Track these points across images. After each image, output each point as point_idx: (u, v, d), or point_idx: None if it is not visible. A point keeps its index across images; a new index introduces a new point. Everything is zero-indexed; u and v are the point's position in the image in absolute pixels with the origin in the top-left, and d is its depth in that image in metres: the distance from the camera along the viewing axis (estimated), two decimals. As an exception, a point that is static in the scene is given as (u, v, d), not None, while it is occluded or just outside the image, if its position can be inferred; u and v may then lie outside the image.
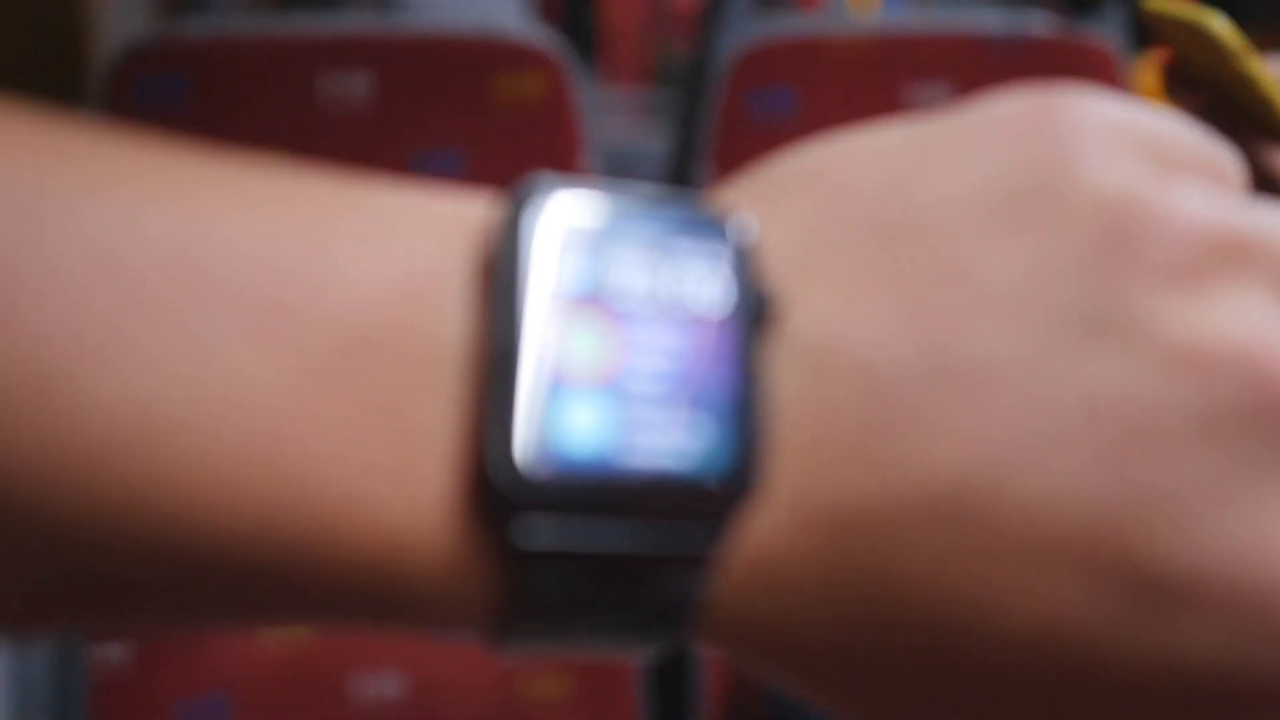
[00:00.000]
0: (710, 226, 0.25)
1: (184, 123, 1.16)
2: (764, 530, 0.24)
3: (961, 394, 0.24)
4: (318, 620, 0.24)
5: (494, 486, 0.22)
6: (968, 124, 0.27)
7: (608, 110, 1.41)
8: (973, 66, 1.27)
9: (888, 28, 1.33)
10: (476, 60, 1.21)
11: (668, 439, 0.23)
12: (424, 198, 0.25)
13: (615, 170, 1.37)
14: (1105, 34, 1.31)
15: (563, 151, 1.22)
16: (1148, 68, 1.32)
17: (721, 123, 1.28)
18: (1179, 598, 0.24)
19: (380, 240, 0.23)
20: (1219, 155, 0.29)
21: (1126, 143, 0.27)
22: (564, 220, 0.24)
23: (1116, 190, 0.25)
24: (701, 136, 1.30)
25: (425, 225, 0.24)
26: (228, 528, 0.21)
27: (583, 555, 0.23)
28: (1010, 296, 0.25)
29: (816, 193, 0.27)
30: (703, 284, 0.25)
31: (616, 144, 1.40)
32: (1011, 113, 0.27)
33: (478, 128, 1.20)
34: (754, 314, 0.25)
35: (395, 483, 0.22)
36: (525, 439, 0.22)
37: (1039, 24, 1.31)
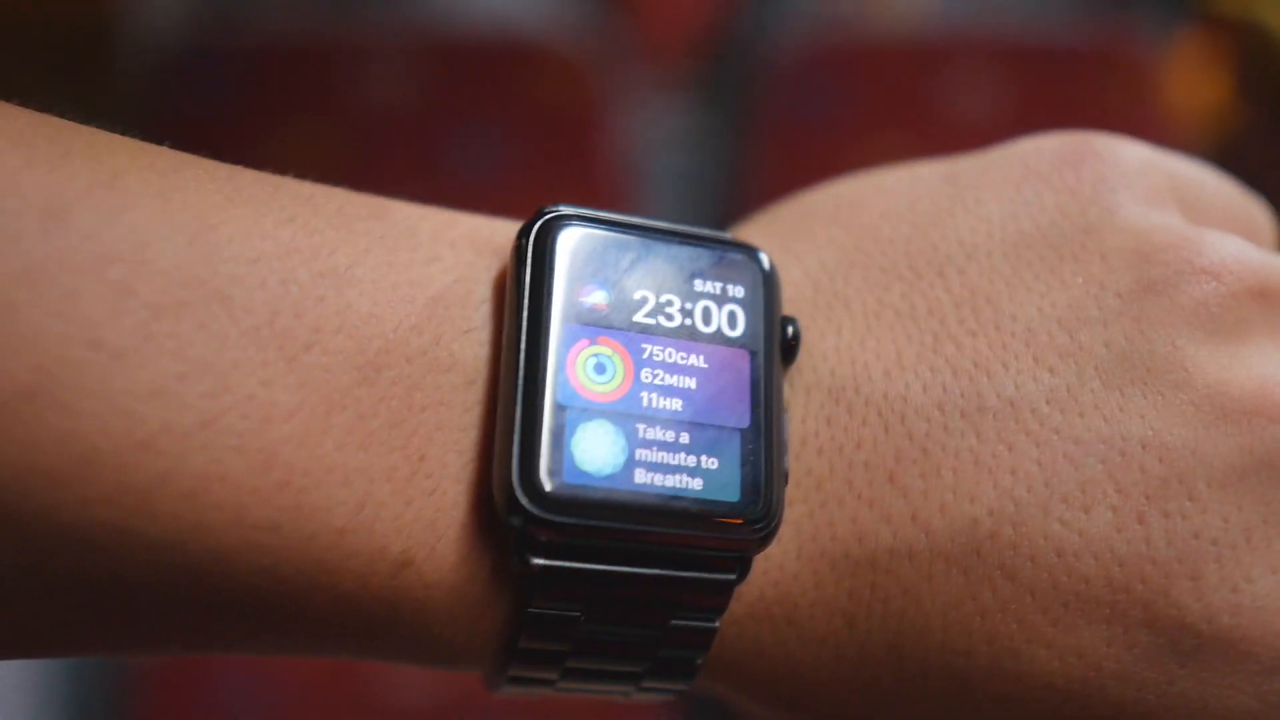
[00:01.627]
0: (732, 257, 0.25)
1: (223, 124, 1.17)
2: (778, 564, 0.24)
3: (987, 432, 0.24)
4: (319, 647, 0.23)
5: (504, 504, 0.22)
6: (996, 163, 0.27)
7: (649, 86, 1.42)
8: (1015, 73, 1.27)
9: (929, 33, 1.33)
10: (501, 64, 1.21)
11: (683, 463, 0.23)
12: (448, 217, 0.25)
13: (651, 164, 1.38)
14: (1145, 26, 1.30)
15: (589, 154, 1.22)
16: (1205, 72, 1.31)
17: (763, 124, 1.28)
18: (1208, 650, 0.23)
19: (403, 261, 0.23)
20: (1250, 206, 0.28)
21: (1161, 188, 0.26)
22: (579, 246, 0.24)
23: (1152, 234, 0.25)
24: (742, 138, 1.30)
25: (448, 247, 0.24)
26: (233, 530, 0.21)
27: (592, 574, 0.23)
28: (1041, 335, 0.24)
29: (840, 231, 0.27)
30: (722, 313, 0.25)
31: (656, 129, 1.40)
32: (1043, 153, 0.27)
33: (505, 131, 1.20)
34: (773, 344, 0.25)
35: (406, 498, 0.22)
36: (536, 458, 0.22)
37: (1082, 23, 1.31)
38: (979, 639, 0.23)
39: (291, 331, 0.22)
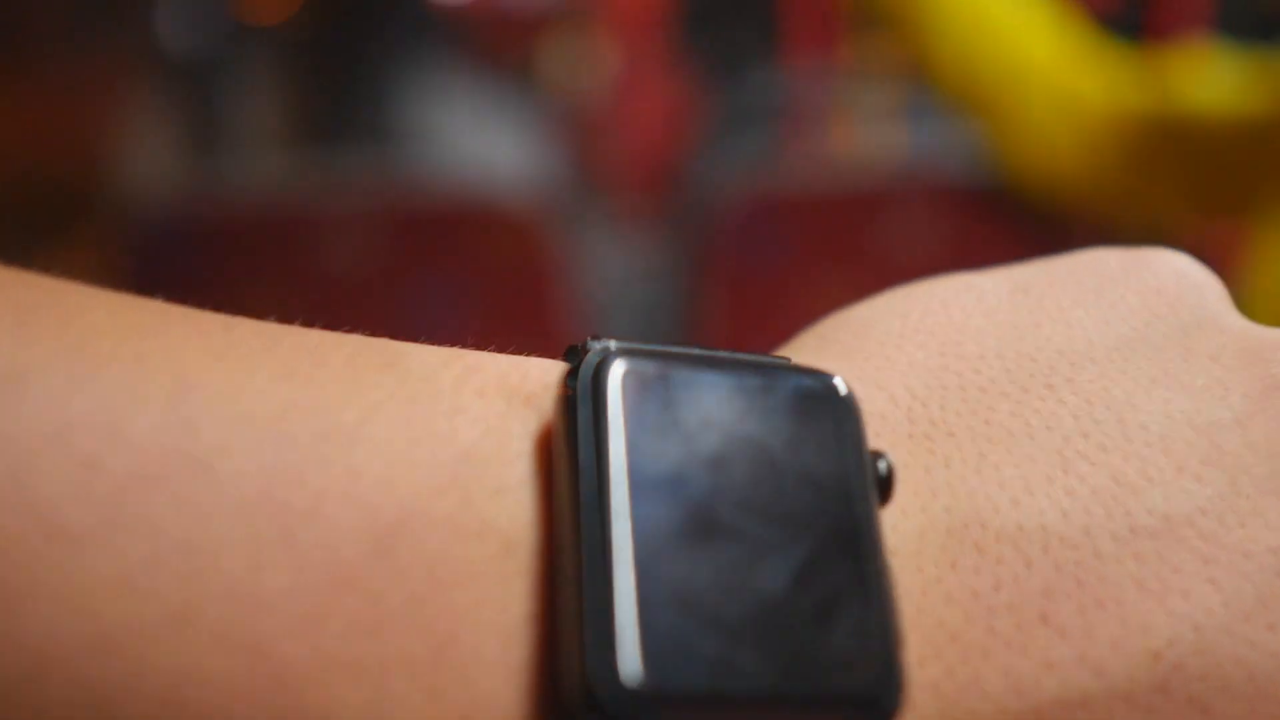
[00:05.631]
0: (805, 385, 0.22)
1: (193, 293, 1.20)
2: None
3: (1146, 553, 0.21)
4: None
5: (579, 703, 0.18)
6: (1063, 272, 0.26)
7: (607, 225, 1.47)
8: (954, 215, 1.33)
9: (868, 182, 1.40)
10: (457, 228, 1.26)
11: (788, 647, 0.19)
12: (472, 360, 0.21)
13: (609, 298, 1.41)
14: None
15: (546, 310, 1.26)
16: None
17: (716, 260, 1.33)
18: None
19: (421, 415, 0.20)
20: None
21: (1220, 291, 0.26)
22: (638, 385, 0.20)
23: (1250, 332, 0.24)
24: (696, 273, 1.36)
25: (474, 396, 0.21)
26: None
27: None
28: (1178, 443, 0.22)
29: (919, 351, 0.24)
30: (805, 455, 0.21)
31: (613, 265, 1.46)
32: (1108, 261, 0.26)
33: (463, 294, 1.24)
34: (867, 483, 0.21)
35: (429, 692, 0.18)
36: (627, 649, 0.18)
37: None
38: None
39: (287, 503, 0.18)
